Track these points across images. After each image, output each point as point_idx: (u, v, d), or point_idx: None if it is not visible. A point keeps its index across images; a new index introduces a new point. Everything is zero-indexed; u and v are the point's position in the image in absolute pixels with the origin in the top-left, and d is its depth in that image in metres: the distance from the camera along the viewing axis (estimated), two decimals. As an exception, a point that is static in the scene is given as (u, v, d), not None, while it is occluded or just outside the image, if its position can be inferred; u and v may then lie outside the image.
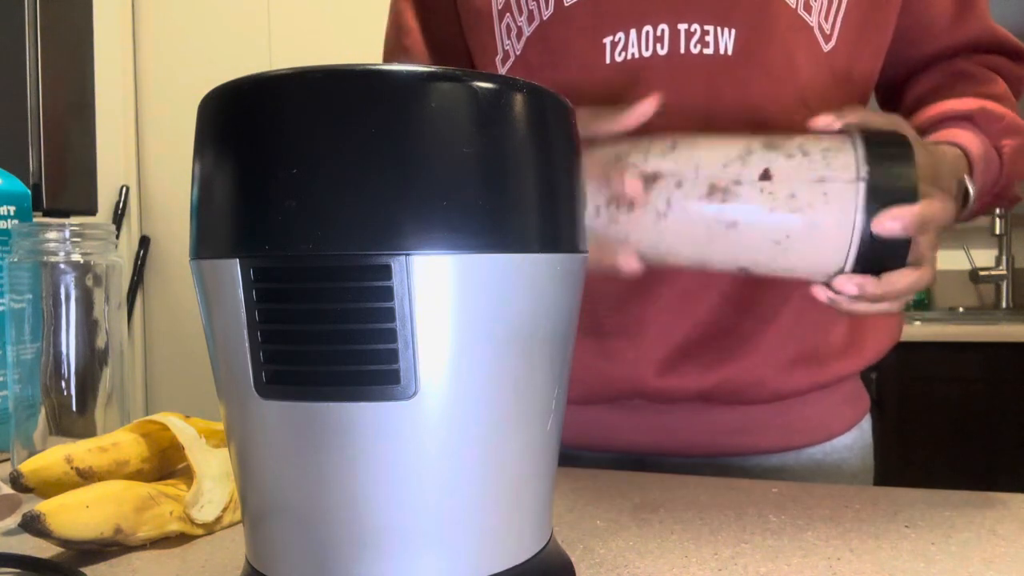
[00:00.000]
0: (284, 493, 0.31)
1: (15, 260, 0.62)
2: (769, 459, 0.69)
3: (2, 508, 0.53)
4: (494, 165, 0.30)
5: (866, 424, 0.74)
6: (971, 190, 0.61)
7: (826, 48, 0.62)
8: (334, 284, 0.29)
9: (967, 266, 2.45)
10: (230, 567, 0.44)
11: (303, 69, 0.30)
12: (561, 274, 0.33)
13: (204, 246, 0.32)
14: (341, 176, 0.29)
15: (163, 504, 0.48)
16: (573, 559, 0.40)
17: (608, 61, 0.62)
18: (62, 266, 0.62)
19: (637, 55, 0.61)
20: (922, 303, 2.45)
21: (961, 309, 2.44)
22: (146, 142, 2.33)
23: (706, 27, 0.60)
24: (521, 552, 0.34)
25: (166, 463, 0.57)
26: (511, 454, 0.32)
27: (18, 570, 0.44)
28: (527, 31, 0.65)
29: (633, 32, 0.61)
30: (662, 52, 0.61)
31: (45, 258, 0.61)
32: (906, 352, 1.89)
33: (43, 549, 0.46)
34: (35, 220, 0.79)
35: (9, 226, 0.74)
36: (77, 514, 0.45)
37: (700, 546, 0.46)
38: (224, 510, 0.50)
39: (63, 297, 0.62)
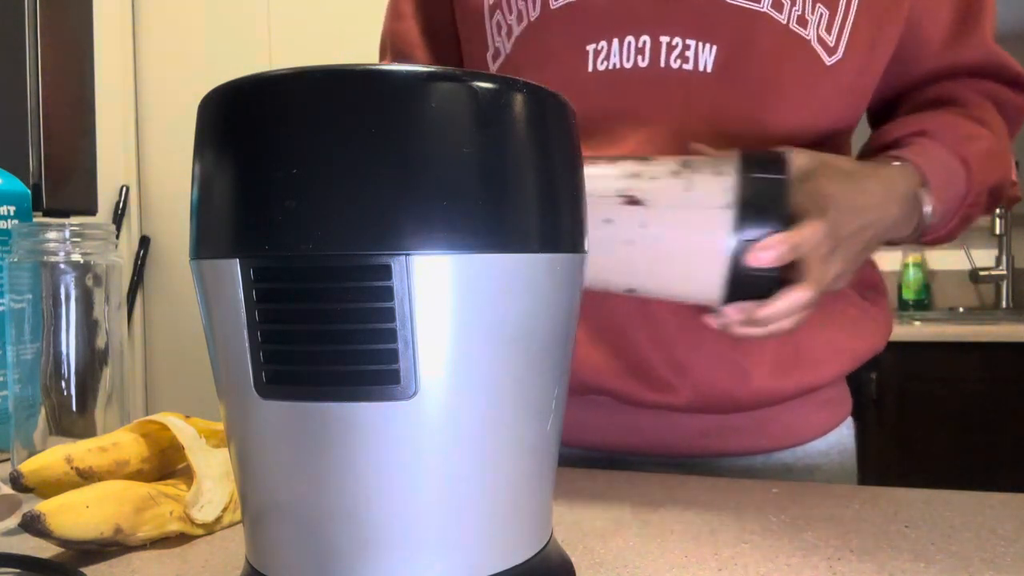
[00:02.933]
0: (284, 493, 0.31)
1: (15, 260, 0.62)
2: (737, 461, 0.68)
3: (2, 509, 0.53)
4: (494, 165, 0.30)
5: (846, 429, 0.72)
6: (926, 202, 0.60)
7: (829, 61, 0.60)
8: (334, 284, 0.29)
9: (967, 266, 2.45)
10: (230, 567, 0.44)
11: (303, 69, 0.29)
12: (561, 274, 0.33)
13: (204, 246, 0.32)
14: (341, 176, 0.29)
15: (163, 504, 0.48)
16: (573, 559, 0.40)
17: (591, 69, 0.62)
18: (62, 266, 0.62)
19: (619, 65, 0.61)
20: (922, 303, 2.45)
21: (961, 309, 2.43)
22: (146, 142, 2.33)
23: (688, 41, 0.60)
24: (521, 552, 0.34)
25: (166, 463, 0.57)
26: (511, 454, 0.32)
27: (18, 570, 0.44)
28: (516, 31, 0.65)
29: (616, 41, 0.61)
30: (643, 64, 0.60)
31: (45, 258, 0.61)
32: (906, 352, 1.89)
33: (43, 549, 0.46)
34: (35, 220, 0.79)
35: (9, 226, 0.74)
36: (77, 514, 0.44)
37: (700, 546, 0.46)
38: (224, 510, 0.50)
39: (63, 297, 0.62)
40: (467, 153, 0.30)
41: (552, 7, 0.63)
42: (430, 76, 0.30)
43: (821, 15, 0.59)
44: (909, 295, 2.45)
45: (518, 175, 0.31)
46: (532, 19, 0.64)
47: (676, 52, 0.60)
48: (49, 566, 0.44)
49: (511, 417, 0.32)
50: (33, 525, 0.43)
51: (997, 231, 2.31)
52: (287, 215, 0.29)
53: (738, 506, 0.53)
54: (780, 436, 0.68)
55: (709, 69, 0.60)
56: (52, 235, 0.62)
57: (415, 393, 0.29)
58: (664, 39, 0.60)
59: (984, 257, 2.45)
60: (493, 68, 0.68)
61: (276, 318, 0.30)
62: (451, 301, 0.29)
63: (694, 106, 0.60)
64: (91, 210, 1.02)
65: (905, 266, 2.46)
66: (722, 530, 0.48)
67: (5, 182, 0.75)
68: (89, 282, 0.63)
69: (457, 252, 0.29)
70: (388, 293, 0.29)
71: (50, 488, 0.51)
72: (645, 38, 0.60)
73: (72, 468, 0.52)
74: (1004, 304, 2.40)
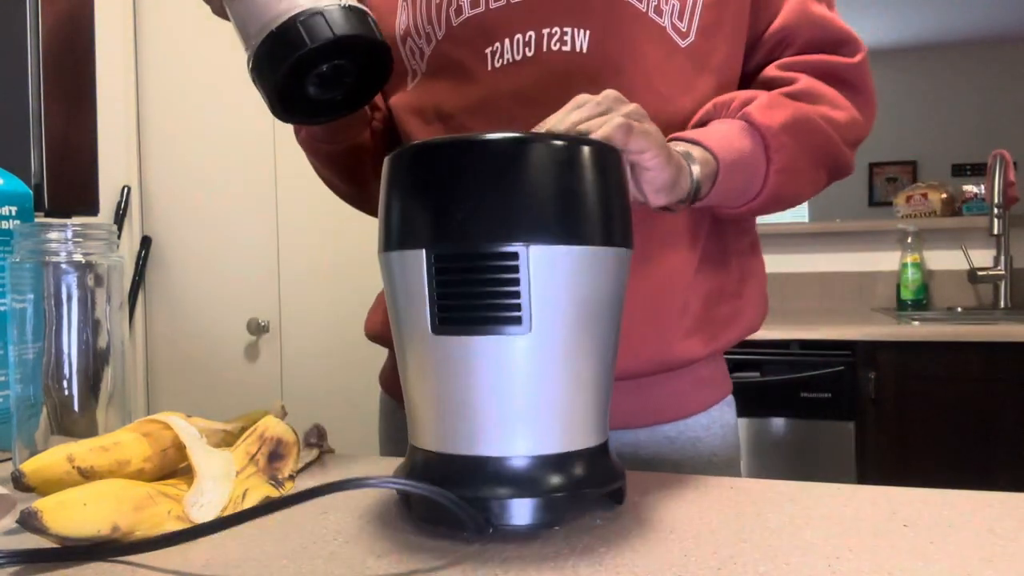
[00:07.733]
0: (448, 394, 0.49)
1: (17, 260, 0.62)
2: (623, 436, 0.75)
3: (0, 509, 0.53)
4: (575, 190, 0.49)
5: (727, 407, 0.81)
6: (694, 170, 0.62)
7: (683, 44, 0.72)
8: (484, 263, 0.47)
9: (965, 266, 2.45)
10: (230, 567, 0.44)
11: (462, 137, 0.49)
12: (615, 259, 0.51)
13: (397, 242, 0.50)
14: (488, 199, 0.47)
15: (161, 503, 0.48)
16: (573, 559, 0.40)
17: (490, 68, 0.73)
18: (64, 266, 0.62)
19: (511, 59, 0.72)
20: (920, 303, 2.45)
21: (959, 309, 2.43)
22: (147, 142, 2.33)
23: (565, 28, 0.71)
24: (591, 439, 0.51)
25: (167, 463, 0.57)
26: (588, 370, 0.50)
27: (20, 567, 0.44)
28: (427, 51, 0.77)
29: (507, 41, 0.72)
30: (530, 54, 0.71)
31: (47, 258, 0.62)
32: (905, 352, 1.89)
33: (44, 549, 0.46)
34: (37, 220, 0.79)
35: (11, 226, 0.75)
36: (74, 511, 0.45)
37: (700, 546, 0.46)
38: (223, 511, 0.51)
39: (64, 297, 0.62)
40: (560, 184, 0.48)
41: (454, 24, 0.74)
42: (536, 138, 0.49)
43: (674, 6, 0.71)
44: (907, 295, 2.45)
45: (589, 196, 0.49)
46: (439, 38, 0.75)
47: (556, 38, 0.71)
48: (57, 554, 0.44)
49: (589, 348, 0.50)
50: (30, 522, 0.43)
51: (995, 231, 2.31)
52: (456, 222, 0.47)
53: (738, 506, 0.53)
54: (658, 411, 0.76)
55: (585, 50, 0.70)
56: (54, 235, 0.62)
57: (531, 331, 0.47)
58: (545, 31, 0.71)
59: (982, 257, 2.45)
60: (411, 87, 0.79)
61: (447, 284, 0.48)
62: (555, 275, 0.48)
63: (575, 82, 0.69)
64: (93, 210, 1.02)
65: (903, 266, 2.46)
66: (722, 530, 0.48)
67: (7, 182, 0.75)
68: (90, 282, 0.63)
69: (559, 244, 0.48)
70: (516, 268, 0.47)
71: (52, 487, 0.51)
72: (531, 33, 0.71)
73: (74, 467, 0.52)
74: (1002, 304, 2.40)
